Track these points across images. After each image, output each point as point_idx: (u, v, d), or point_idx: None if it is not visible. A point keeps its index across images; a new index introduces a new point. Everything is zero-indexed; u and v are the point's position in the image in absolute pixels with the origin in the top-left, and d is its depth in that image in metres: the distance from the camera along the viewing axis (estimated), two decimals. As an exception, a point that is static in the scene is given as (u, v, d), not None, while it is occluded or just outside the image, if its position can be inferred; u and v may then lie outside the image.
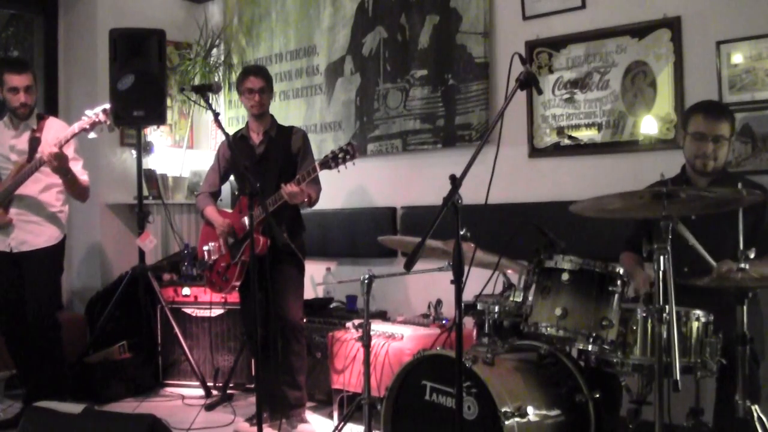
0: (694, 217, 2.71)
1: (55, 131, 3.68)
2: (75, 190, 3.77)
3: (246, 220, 3.51)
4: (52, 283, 3.84)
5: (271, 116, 3.81)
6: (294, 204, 3.50)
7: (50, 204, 3.76)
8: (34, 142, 3.65)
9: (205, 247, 3.78)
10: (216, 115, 2.94)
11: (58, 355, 3.80)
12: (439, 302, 3.77)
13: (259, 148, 3.72)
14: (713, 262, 2.54)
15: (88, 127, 3.52)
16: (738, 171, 3.22)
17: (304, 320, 3.85)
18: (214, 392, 4.27)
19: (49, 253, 3.73)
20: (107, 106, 3.58)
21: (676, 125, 3.42)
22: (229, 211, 3.93)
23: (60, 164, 3.50)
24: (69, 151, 3.69)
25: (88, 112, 3.54)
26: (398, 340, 3.48)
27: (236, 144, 3.72)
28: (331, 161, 3.33)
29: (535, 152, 3.92)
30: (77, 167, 3.77)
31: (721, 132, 2.81)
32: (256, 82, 3.67)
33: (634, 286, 2.82)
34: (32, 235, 3.70)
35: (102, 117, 3.51)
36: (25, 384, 3.88)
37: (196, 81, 5.21)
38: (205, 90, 3.08)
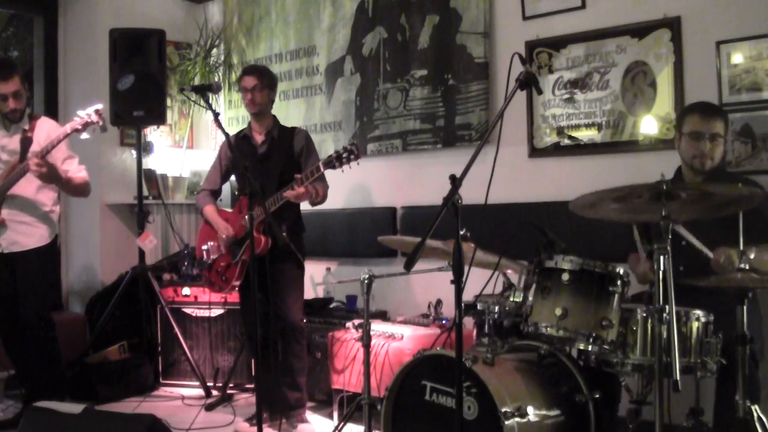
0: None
1: (46, 131, 3.66)
2: (72, 191, 3.78)
3: (246, 219, 3.52)
4: (44, 284, 3.82)
5: (274, 117, 3.81)
6: (299, 201, 3.51)
7: (42, 204, 3.73)
8: (26, 142, 3.62)
9: (204, 247, 3.77)
10: (216, 115, 2.94)
11: (54, 355, 3.80)
12: (439, 302, 3.77)
13: (261, 148, 3.72)
14: (710, 254, 2.54)
15: (80, 127, 3.49)
16: (738, 171, 3.22)
17: (304, 321, 3.85)
18: (214, 392, 4.27)
19: (40, 254, 3.72)
20: (100, 106, 3.55)
21: (676, 125, 3.42)
22: (229, 210, 3.93)
23: (48, 173, 3.48)
24: (63, 151, 3.69)
25: (80, 112, 3.52)
26: (398, 340, 3.48)
27: (238, 143, 3.73)
28: (335, 161, 3.35)
29: (535, 152, 3.92)
30: (73, 165, 3.76)
31: (716, 130, 2.82)
32: (249, 81, 3.68)
33: (638, 277, 2.84)
34: (23, 235, 3.67)
35: (95, 117, 3.49)
36: (24, 384, 3.88)
37: (196, 81, 5.21)
38: (205, 90, 3.07)
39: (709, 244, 2.63)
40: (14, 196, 3.65)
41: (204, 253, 3.77)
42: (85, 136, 3.55)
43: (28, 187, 3.65)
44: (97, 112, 3.50)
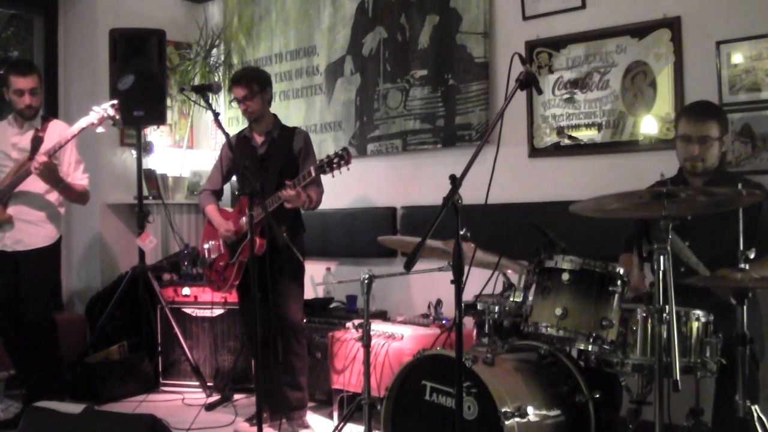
0: (690, 217, 2.71)
1: (58, 133, 3.70)
2: (71, 197, 3.80)
3: (245, 220, 3.52)
4: (48, 283, 3.83)
5: (274, 116, 3.80)
6: (292, 205, 3.49)
7: (48, 203, 3.75)
8: (37, 141, 3.66)
9: (206, 246, 3.78)
10: (216, 115, 2.94)
11: (55, 355, 3.80)
12: (439, 302, 3.77)
13: (261, 148, 3.72)
14: (700, 267, 2.54)
15: (95, 122, 3.60)
16: (738, 171, 3.22)
17: (305, 320, 3.85)
18: (214, 392, 4.27)
19: (44, 253, 3.73)
20: (115, 101, 3.70)
21: (674, 126, 3.42)
22: (230, 210, 3.93)
23: (50, 174, 3.53)
24: (72, 154, 3.77)
25: (95, 108, 3.62)
26: (398, 340, 3.48)
27: (238, 144, 3.72)
28: (326, 166, 3.33)
29: (535, 152, 3.92)
30: (78, 172, 3.81)
31: (706, 132, 2.79)
32: (239, 92, 3.63)
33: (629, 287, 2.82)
34: (28, 234, 3.69)
35: (111, 112, 3.63)
36: (24, 384, 3.88)
37: (196, 81, 5.22)
38: (205, 90, 3.08)
39: (706, 242, 2.64)
40: (23, 193, 3.67)
41: (206, 251, 3.78)
42: (100, 129, 3.70)
43: (36, 184, 3.67)
44: (113, 106, 3.65)
